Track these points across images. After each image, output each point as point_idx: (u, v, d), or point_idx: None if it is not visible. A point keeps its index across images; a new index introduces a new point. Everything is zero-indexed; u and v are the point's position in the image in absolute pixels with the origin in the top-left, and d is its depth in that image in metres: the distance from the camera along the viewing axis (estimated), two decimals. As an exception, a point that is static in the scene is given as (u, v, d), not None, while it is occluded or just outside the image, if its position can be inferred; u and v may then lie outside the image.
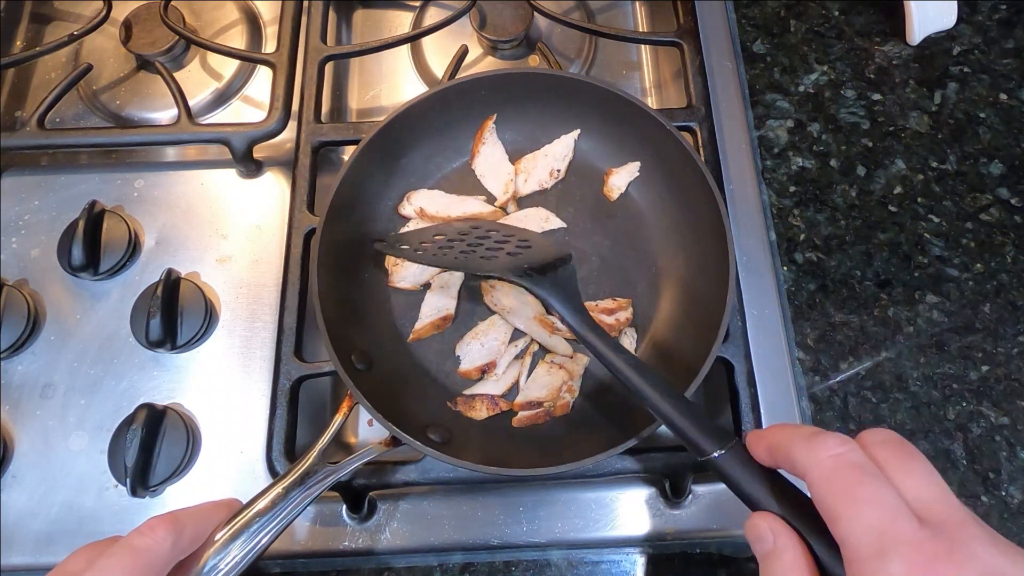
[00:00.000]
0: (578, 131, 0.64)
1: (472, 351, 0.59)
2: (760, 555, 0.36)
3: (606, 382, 0.58)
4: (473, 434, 0.55)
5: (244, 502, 0.47)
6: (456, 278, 0.61)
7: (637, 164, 0.64)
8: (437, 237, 0.57)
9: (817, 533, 0.35)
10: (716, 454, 0.40)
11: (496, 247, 0.55)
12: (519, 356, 0.59)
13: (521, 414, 0.57)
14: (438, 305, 0.60)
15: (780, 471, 0.38)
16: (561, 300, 0.52)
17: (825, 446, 0.35)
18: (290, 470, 0.48)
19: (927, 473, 0.34)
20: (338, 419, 0.52)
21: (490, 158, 0.64)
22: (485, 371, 0.58)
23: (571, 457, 0.49)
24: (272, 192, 0.68)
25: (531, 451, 0.54)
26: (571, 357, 0.59)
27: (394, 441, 0.51)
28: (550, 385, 0.57)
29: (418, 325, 0.59)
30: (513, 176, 0.64)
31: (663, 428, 0.60)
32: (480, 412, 0.57)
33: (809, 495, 0.35)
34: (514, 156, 0.65)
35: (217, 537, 0.44)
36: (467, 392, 0.58)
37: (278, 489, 0.47)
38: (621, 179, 0.64)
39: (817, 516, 0.34)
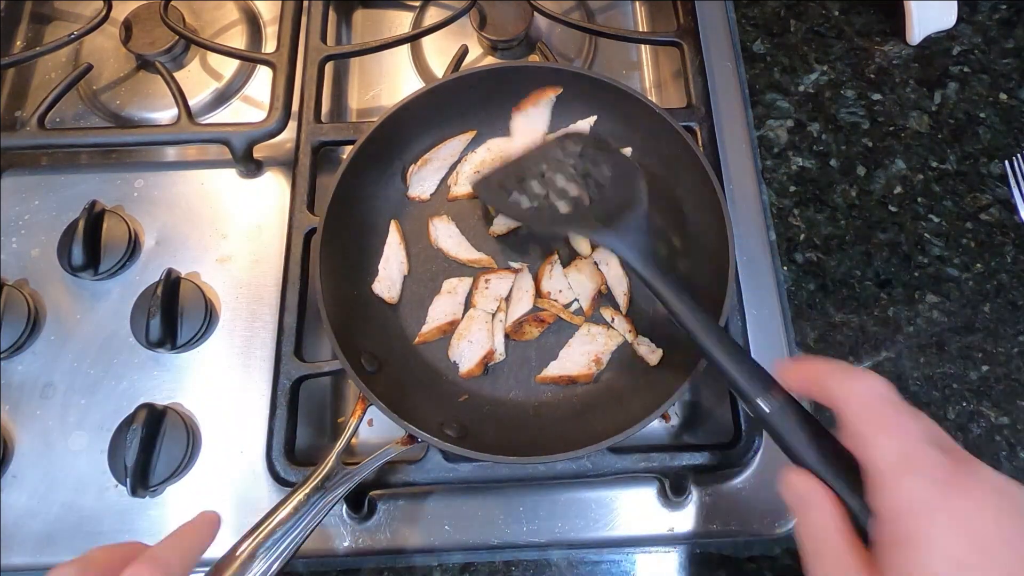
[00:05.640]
0: (595, 117, 0.64)
1: (464, 351, 0.59)
2: (794, 509, 0.37)
3: (645, 371, 0.58)
4: (488, 428, 0.56)
5: (214, 511, 0.44)
6: (464, 284, 0.61)
7: (628, 149, 0.64)
8: (518, 177, 0.56)
9: (853, 488, 0.36)
10: (767, 408, 0.40)
11: (572, 185, 0.55)
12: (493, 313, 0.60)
13: (545, 372, 0.58)
14: (446, 310, 0.60)
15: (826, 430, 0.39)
16: (627, 249, 0.50)
17: (863, 380, 0.36)
18: (310, 476, 0.49)
19: (930, 421, 0.37)
20: (353, 422, 0.52)
21: (532, 123, 0.64)
22: (487, 361, 0.58)
23: (588, 441, 0.49)
24: (272, 192, 0.68)
25: (547, 442, 0.54)
26: (607, 329, 0.59)
27: (411, 439, 0.51)
28: (584, 358, 0.58)
29: (425, 329, 0.59)
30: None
31: (664, 426, 0.60)
32: (534, 332, 0.59)
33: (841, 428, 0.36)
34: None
35: (240, 551, 0.44)
36: (511, 322, 0.59)
37: (300, 495, 0.47)
38: None
39: (855, 472, 0.35)
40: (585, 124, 0.64)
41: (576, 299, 0.61)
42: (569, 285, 0.61)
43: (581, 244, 0.62)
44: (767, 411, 0.40)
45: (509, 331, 0.59)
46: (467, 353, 0.58)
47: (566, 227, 0.57)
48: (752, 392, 0.41)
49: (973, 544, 0.31)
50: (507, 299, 0.60)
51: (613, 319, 0.60)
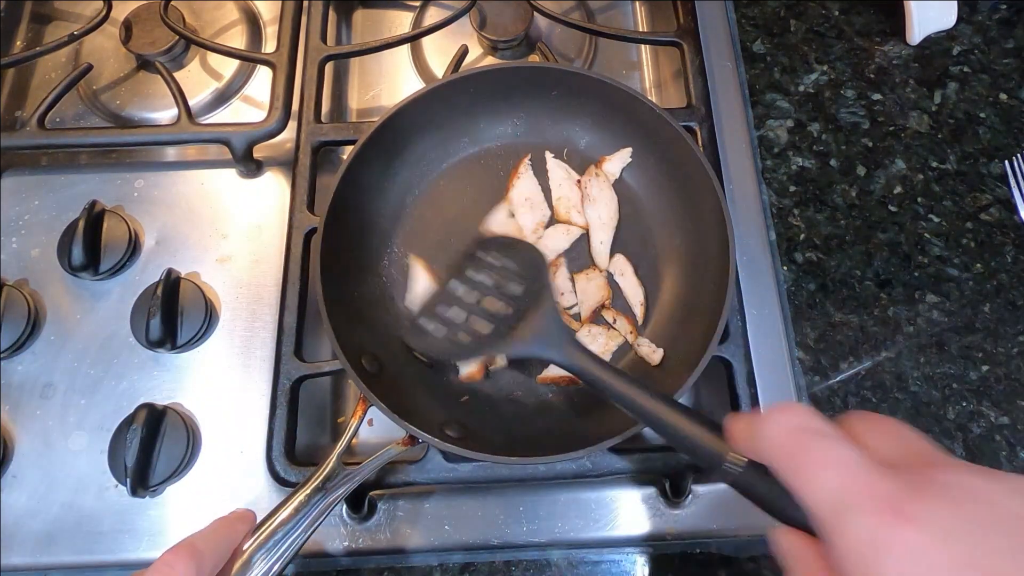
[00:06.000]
0: (630, 148, 0.64)
1: None
2: (784, 568, 0.34)
3: (645, 371, 0.58)
4: (489, 428, 0.55)
5: (251, 510, 0.47)
6: None
7: (629, 150, 0.64)
8: (441, 309, 0.55)
9: None
10: (731, 469, 0.36)
11: (489, 304, 0.53)
12: None
13: (546, 373, 0.58)
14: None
15: None
16: (551, 351, 0.48)
17: (774, 421, 0.32)
18: (310, 476, 0.49)
19: (900, 428, 0.32)
20: (354, 423, 0.52)
21: (525, 193, 0.63)
22: (488, 365, 0.58)
23: (588, 441, 0.49)
24: (272, 192, 0.68)
25: (547, 442, 0.54)
26: (607, 329, 0.59)
27: (411, 440, 0.51)
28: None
29: (465, 371, 0.58)
30: (546, 220, 0.63)
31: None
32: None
33: None
34: (516, 148, 0.66)
35: (241, 552, 0.44)
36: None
37: (300, 497, 0.47)
38: (614, 166, 0.64)
39: None
40: (624, 155, 0.64)
41: (576, 305, 0.61)
42: (573, 290, 0.61)
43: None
44: (733, 473, 0.36)
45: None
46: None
47: (487, 352, 0.55)
48: (717, 459, 0.37)
49: None
50: None
51: (615, 320, 0.60)
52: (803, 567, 0.32)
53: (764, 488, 0.34)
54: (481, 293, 0.54)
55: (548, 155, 0.65)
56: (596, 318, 0.60)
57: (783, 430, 0.31)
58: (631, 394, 0.43)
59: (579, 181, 0.64)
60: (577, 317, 0.60)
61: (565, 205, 0.63)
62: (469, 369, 0.58)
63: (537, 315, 0.50)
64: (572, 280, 0.61)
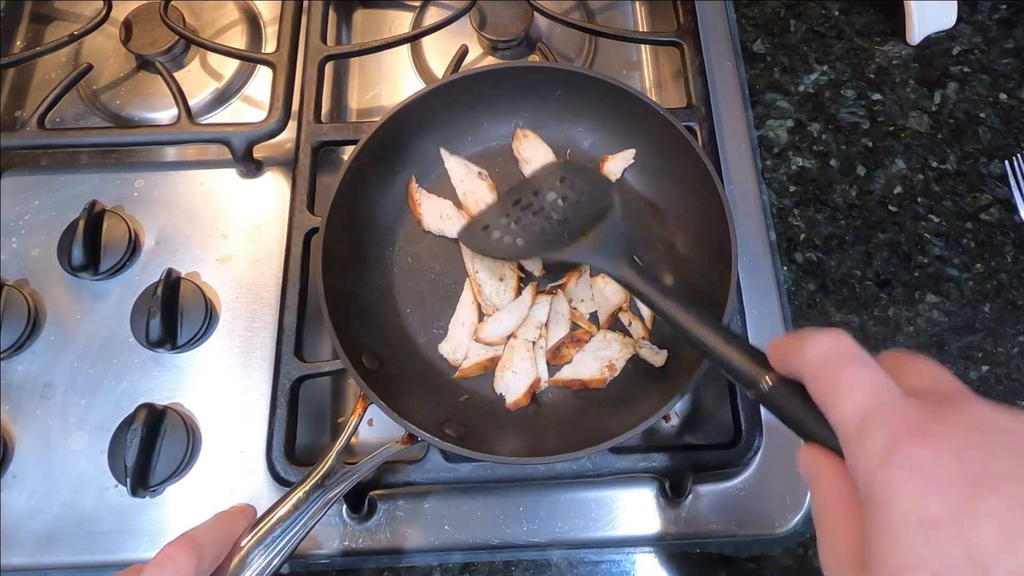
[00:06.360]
0: (633, 150, 0.64)
1: (510, 383, 0.57)
2: (807, 485, 0.35)
3: (647, 371, 0.58)
4: (489, 428, 0.55)
5: (251, 505, 0.47)
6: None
7: (632, 151, 0.64)
8: (497, 216, 0.58)
9: None
10: (764, 387, 0.37)
11: (549, 212, 0.56)
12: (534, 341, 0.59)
13: (558, 376, 0.58)
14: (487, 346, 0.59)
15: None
16: (604, 261, 0.50)
17: (813, 343, 0.34)
18: (309, 474, 0.49)
19: (934, 367, 0.33)
20: (353, 420, 0.52)
21: (435, 210, 0.64)
22: (534, 390, 0.58)
23: (589, 441, 0.49)
24: (272, 192, 0.68)
25: (547, 442, 0.54)
26: (622, 336, 0.59)
27: (410, 438, 0.51)
28: (597, 364, 0.58)
29: (465, 365, 0.58)
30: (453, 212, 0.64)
31: (664, 426, 0.60)
32: (571, 353, 0.59)
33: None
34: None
35: (239, 548, 0.44)
36: (550, 348, 0.59)
37: (299, 493, 0.47)
38: (616, 165, 0.64)
39: None
40: (627, 155, 0.64)
41: (596, 311, 0.60)
42: (592, 296, 0.60)
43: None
44: (765, 390, 0.37)
45: (548, 357, 0.59)
46: (513, 385, 0.57)
47: (540, 253, 0.57)
48: (750, 376, 0.38)
49: (938, 497, 0.26)
50: (545, 324, 0.60)
51: (631, 323, 0.60)
52: (825, 481, 0.33)
53: (794, 406, 0.36)
54: (542, 204, 0.57)
55: (443, 152, 0.65)
56: (612, 323, 0.60)
57: (822, 351, 0.33)
58: (677, 315, 0.44)
59: (480, 172, 0.64)
60: (596, 322, 0.60)
61: (472, 199, 0.63)
62: (516, 396, 0.57)
63: (599, 228, 0.52)
64: (590, 287, 0.61)
